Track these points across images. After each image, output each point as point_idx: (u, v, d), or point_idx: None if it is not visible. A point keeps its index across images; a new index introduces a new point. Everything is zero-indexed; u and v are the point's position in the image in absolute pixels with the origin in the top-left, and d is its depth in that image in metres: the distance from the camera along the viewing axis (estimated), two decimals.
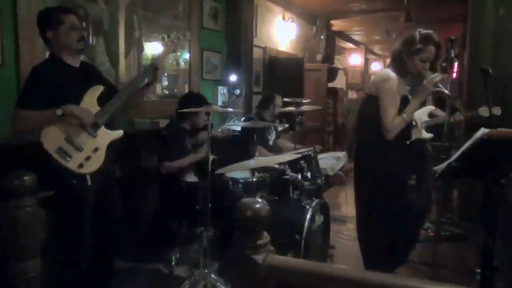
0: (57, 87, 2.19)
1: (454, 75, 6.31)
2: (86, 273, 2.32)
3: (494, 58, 4.03)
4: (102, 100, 2.32)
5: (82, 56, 3.27)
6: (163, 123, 3.57)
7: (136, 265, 3.21)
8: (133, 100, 2.49)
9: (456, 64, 6.77)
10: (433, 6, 6.88)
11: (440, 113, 3.81)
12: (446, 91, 2.63)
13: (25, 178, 1.65)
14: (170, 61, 4.42)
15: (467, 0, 4.47)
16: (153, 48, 4.05)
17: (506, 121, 3.44)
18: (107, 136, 2.31)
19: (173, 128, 3.24)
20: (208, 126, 2.60)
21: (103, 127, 2.30)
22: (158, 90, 4.27)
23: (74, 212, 2.23)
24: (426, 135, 3.68)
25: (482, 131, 1.70)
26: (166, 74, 4.39)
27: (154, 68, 2.44)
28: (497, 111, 3.29)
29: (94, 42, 3.38)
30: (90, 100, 2.28)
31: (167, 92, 4.38)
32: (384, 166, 2.52)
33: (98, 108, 2.29)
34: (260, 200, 1.29)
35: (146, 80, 2.50)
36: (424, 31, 2.48)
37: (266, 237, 1.27)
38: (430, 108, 3.80)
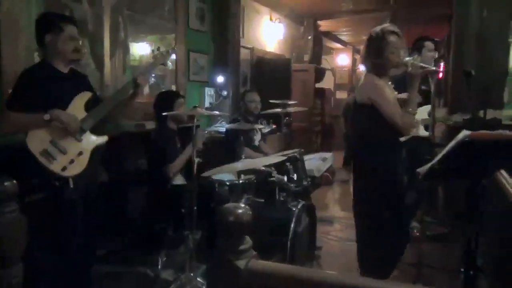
0: (46, 91, 2.23)
1: (441, 75, 6.39)
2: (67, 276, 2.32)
3: (477, 59, 4.07)
4: (88, 107, 2.37)
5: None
6: (149, 125, 3.55)
7: (122, 269, 3.19)
8: (117, 111, 2.55)
9: (442, 64, 6.85)
10: (419, 6, 6.94)
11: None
12: (432, 68, 2.67)
13: (6, 184, 1.63)
14: None
15: (452, 1, 4.52)
16: (140, 49, 4.03)
17: (489, 122, 3.51)
18: (92, 141, 2.35)
19: (162, 131, 3.22)
20: (194, 128, 2.59)
21: (88, 132, 2.33)
22: (146, 91, 4.24)
23: (56, 214, 2.24)
24: (424, 133, 3.68)
25: (464, 133, 1.72)
26: (153, 75, 4.37)
27: (135, 83, 2.49)
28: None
29: (80, 43, 3.35)
30: (78, 105, 2.33)
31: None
32: (385, 168, 2.52)
33: (85, 113, 2.34)
34: (242, 205, 1.29)
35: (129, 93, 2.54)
36: (376, 28, 2.52)
37: (248, 242, 1.27)
38: (429, 107, 3.80)
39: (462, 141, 1.72)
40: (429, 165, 1.90)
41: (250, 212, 1.26)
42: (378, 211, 2.55)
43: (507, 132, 1.78)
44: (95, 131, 2.38)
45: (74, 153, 2.26)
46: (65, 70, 2.40)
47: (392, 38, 2.47)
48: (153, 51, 2.62)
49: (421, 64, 2.46)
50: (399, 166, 2.59)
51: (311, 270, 1.44)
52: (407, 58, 2.45)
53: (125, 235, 3.42)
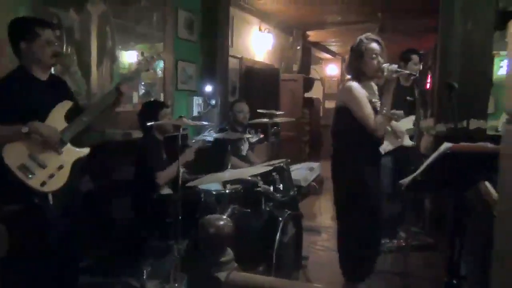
0: (24, 101, 2.13)
1: (428, 85, 6.46)
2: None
3: (462, 71, 4.12)
4: (69, 116, 2.27)
5: (56, 65, 3.26)
6: (136, 134, 3.53)
7: (107, 279, 3.15)
8: (100, 119, 2.47)
9: (429, 75, 6.93)
10: (406, 18, 7.03)
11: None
12: (406, 71, 2.85)
13: None
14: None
15: (437, 14, 4.58)
16: (130, 57, 4.03)
17: (473, 132, 3.56)
18: (72, 153, 2.26)
19: (147, 140, 3.22)
20: (179, 138, 2.58)
21: (69, 144, 2.24)
22: (135, 99, 4.24)
23: (35, 230, 2.16)
24: (409, 142, 3.73)
25: (445, 145, 1.74)
26: (143, 83, 4.36)
27: (118, 91, 2.41)
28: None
29: (69, 51, 3.35)
30: (58, 116, 2.23)
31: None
32: (357, 173, 2.59)
33: (65, 124, 2.24)
34: (224, 216, 1.29)
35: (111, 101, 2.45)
36: (360, 36, 2.67)
37: (229, 253, 1.27)
38: (414, 117, 3.84)
39: (444, 153, 1.75)
40: (412, 176, 1.92)
41: (231, 224, 1.27)
42: (348, 215, 2.67)
43: (489, 145, 1.81)
44: (77, 141, 2.29)
45: (54, 166, 2.17)
46: (44, 77, 2.29)
47: (373, 45, 2.60)
48: (137, 57, 2.56)
49: (396, 68, 2.57)
50: (372, 170, 2.67)
51: (294, 282, 1.44)
52: (384, 64, 2.56)
53: (110, 245, 3.38)
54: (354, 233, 2.65)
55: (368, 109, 2.54)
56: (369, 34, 2.68)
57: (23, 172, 2.08)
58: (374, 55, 2.58)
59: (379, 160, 2.80)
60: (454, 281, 2.35)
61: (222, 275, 1.22)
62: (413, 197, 3.95)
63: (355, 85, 2.58)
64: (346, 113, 2.60)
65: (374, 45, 2.60)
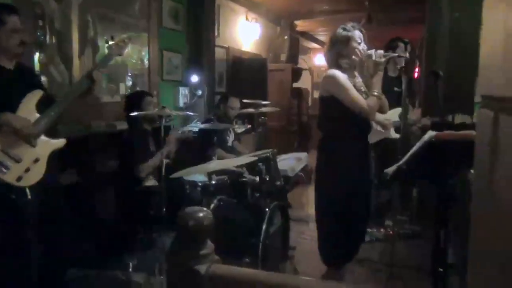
0: None
1: (416, 75, 6.46)
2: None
3: (449, 60, 4.12)
4: (41, 106, 2.17)
5: (40, 56, 3.17)
6: (120, 125, 3.48)
7: (92, 272, 3.11)
8: (76, 108, 2.45)
9: (417, 65, 6.94)
10: (393, 8, 7.01)
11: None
12: (395, 54, 2.83)
13: None
14: (134, 60, 4.33)
15: (425, 3, 4.57)
16: None
17: (458, 126, 3.55)
18: (48, 145, 2.18)
19: (134, 131, 3.17)
20: (161, 128, 2.54)
21: (43, 136, 2.15)
22: (122, 90, 4.16)
23: (13, 227, 2.08)
24: (395, 135, 3.71)
25: (430, 134, 1.73)
26: (130, 74, 4.28)
27: (90, 79, 2.32)
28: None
29: (53, 41, 3.27)
30: (28, 106, 2.13)
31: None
32: (343, 161, 2.53)
33: (37, 115, 2.14)
34: (204, 208, 1.26)
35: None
36: (342, 26, 2.63)
37: (209, 246, 1.24)
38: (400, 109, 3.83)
39: (429, 142, 1.73)
40: (396, 165, 1.91)
41: (211, 216, 1.23)
42: (330, 198, 2.56)
43: (473, 133, 1.79)
44: (52, 132, 2.21)
45: (30, 160, 2.08)
46: (10, 66, 2.17)
47: (356, 32, 2.57)
48: (106, 41, 2.45)
49: (384, 53, 2.55)
50: (357, 161, 2.58)
51: (277, 274, 1.42)
52: (370, 50, 2.54)
53: (95, 237, 3.34)
54: (332, 218, 2.61)
55: (356, 92, 2.48)
56: (351, 23, 2.66)
57: None
58: (359, 41, 2.56)
59: (368, 150, 2.75)
60: (441, 269, 2.35)
61: (202, 268, 1.19)
62: (400, 186, 3.95)
63: (337, 72, 2.53)
64: (331, 102, 2.53)
65: (357, 33, 2.58)
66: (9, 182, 2.01)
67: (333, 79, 2.51)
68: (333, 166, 2.54)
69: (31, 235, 2.15)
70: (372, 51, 2.54)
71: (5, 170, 2.01)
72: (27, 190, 2.06)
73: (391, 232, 3.98)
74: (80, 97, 2.37)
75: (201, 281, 1.17)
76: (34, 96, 2.17)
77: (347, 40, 2.55)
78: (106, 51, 2.49)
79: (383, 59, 2.53)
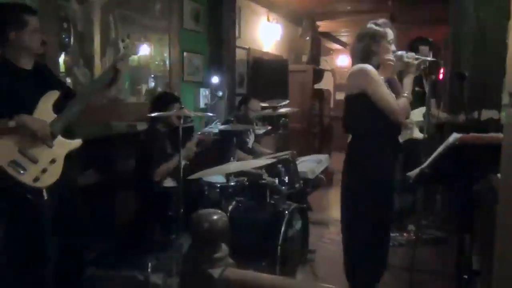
0: (8, 93, 2.03)
1: (441, 76, 6.32)
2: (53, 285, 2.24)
3: (474, 60, 4.01)
4: (58, 106, 2.18)
5: (65, 57, 3.23)
6: (141, 126, 3.50)
7: (111, 272, 3.13)
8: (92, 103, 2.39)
9: (442, 65, 6.78)
10: (417, 8, 6.88)
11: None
12: (428, 58, 2.67)
13: None
14: (157, 62, 4.36)
15: (449, 3, 4.46)
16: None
17: (485, 123, 3.45)
18: (64, 145, 2.18)
19: (151, 132, 3.18)
20: (180, 129, 2.53)
21: (59, 136, 2.16)
22: (143, 92, 4.20)
23: (30, 227, 2.09)
24: (419, 135, 3.62)
25: (454, 136, 1.67)
26: (153, 76, 4.31)
27: (114, 69, 2.33)
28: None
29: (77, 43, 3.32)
30: (45, 107, 2.14)
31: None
32: (375, 164, 2.40)
33: (54, 115, 2.15)
34: (218, 211, 1.24)
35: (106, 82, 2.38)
36: (374, 22, 2.52)
37: (224, 249, 1.21)
38: (423, 109, 3.74)
39: (453, 145, 1.67)
40: (419, 168, 1.84)
41: (226, 219, 1.21)
42: (362, 205, 2.42)
43: (500, 135, 1.72)
44: (68, 133, 2.21)
45: (46, 161, 2.09)
46: (29, 66, 2.19)
47: (389, 30, 2.47)
48: (123, 40, 2.46)
49: (415, 55, 2.48)
50: (389, 163, 2.47)
51: (293, 280, 1.39)
52: (400, 52, 2.46)
53: (114, 238, 3.36)
54: (365, 233, 2.44)
55: (388, 91, 2.35)
56: (382, 20, 2.54)
57: (14, 168, 2.00)
58: (390, 40, 2.45)
59: (399, 151, 2.63)
60: (465, 276, 2.27)
61: (215, 272, 1.16)
62: (424, 190, 3.86)
63: (369, 66, 2.36)
64: (362, 100, 2.36)
65: (389, 31, 2.47)
66: (26, 183, 2.02)
67: (365, 74, 2.35)
68: (368, 171, 2.39)
69: (48, 235, 2.16)
70: (403, 52, 2.45)
71: (22, 171, 2.02)
72: (44, 191, 2.07)
73: (413, 237, 3.90)
74: (102, 91, 2.40)
75: (214, 285, 1.15)
76: (51, 97, 2.18)
77: (380, 36, 2.43)
78: (122, 49, 2.50)
79: (415, 62, 2.43)
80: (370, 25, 2.50)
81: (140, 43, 2.48)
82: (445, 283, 3.03)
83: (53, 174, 2.11)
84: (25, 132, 2.03)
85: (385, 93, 2.33)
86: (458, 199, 2.93)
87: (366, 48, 2.44)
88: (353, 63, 2.51)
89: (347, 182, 2.51)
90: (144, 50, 4.10)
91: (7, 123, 1.97)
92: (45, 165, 2.09)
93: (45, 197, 2.07)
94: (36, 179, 2.05)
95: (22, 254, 2.12)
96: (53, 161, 2.12)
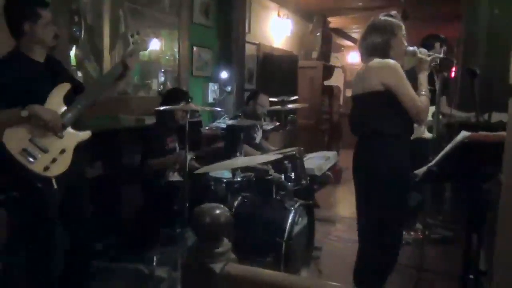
0: (21, 84, 2.07)
1: (453, 74, 6.25)
2: (60, 276, 2.27)
3: (487, 58, 3.95)
4: (68, 99, 2.21)
5: (76, 51, 3.26)
6: (149, 120, 3.50)
7: (116, 265, 3.15)
8: (100, 97, 2.40)
9: (454, 63, 6.71)
10: (429, 4, 6.80)
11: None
12: (440, 55, 2.57)
13: None
14: (167, 57, 4.37)
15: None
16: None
17: (494, 125, 3.39)
18: (74, 137, 2.21)
19: (156, 127, 3.20)
20: (186, 124, 2.53)
21: (69, 127, 2.20)
22: (154, 86, 4.22)
23: (39, 215, 2.13)
24: (428, 134, 3.58)
25: (463, 134, 1.64)
26: (163, 70, 4.32)
27: (124, 65, 2.36)
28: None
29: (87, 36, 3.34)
30: (56, 99, 2.17)
31: (161, 88, 4.29)
32: (389, 162, 2.31)
33: (65, 107, 2.18)
34: (221, 205, 1.23)
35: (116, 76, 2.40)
36: (386, 13, 2.42)
37: (226, 244, 1.21)
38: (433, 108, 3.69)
39: (461, 143, 1.64)
40: (427, 166, 1.82)
41: (229, 213, 1.20)
42: (378, 210, 2.35)
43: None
44: (78, 124, 2.25)
45: (56, 151, 2.12)
46: (41, 59, 2.22)
47: (402, 24, 2.38)
48: (132, 36, 2.49)
49: (428, 52, 2.40)
50: (408, 163, 2.35)
51: (295, 277, 1.38)
52: (412, 48, 2.37)
53: (120, 231, 3.38)
54: (387, 234, 2.39)
55: (413, 90, 2.25)
56: (394, 12, 2.43)
57: (24, 157, 2.03)
58: (404, 34, 2.37)
59: (408, 146, 2.55)
60: (471, 276, 2.25)
61: (217, 267, 1.16)
62: (432, 189, 3.82)
63: (395, 62, 2.24)
64: (385, 96, 2.24)
65: (403, 25, 2.38)
66: (37, 171, 2.05)
67: (394, 70, 2.22)
68: (388, 170, 2.29)
69: (56, 224, 2.20)
70: (415, 48, 2.37)
71: (32, 160, 2.05)
72: (53, 180, 2.10)
73: (421, 236, 3.86)
74: (112, 85, 2.42)
75: (215, 280, 1.14)
76: (62, 89, 2.21)
77: (397, 28, 2.33)
78: (131, 45, 2.52)
79: (428, 58, 2.36)
80: (383, 17, 2.39)
81: (149, 38, 2.48)
82: (451, 282, 3.00)
83: (63, 164, 2.14)
84: (37, 122, 2.06)
85: (412, 91, 2.23)
86: (466, 198, 2.90)
87: (384, 41, 2.32)
88: (365, 57, 2.40)
89: (367, 183, 2.40)
90: (155, 44, 4.11)
91: (20, 112, 2.00)
92: (55, 155, 2.12)
93: (55, 186, 2.10)
94: (46, 168, 2.08)
95: (31, 241, 2.15)
96: (62, 151, 2.15)
